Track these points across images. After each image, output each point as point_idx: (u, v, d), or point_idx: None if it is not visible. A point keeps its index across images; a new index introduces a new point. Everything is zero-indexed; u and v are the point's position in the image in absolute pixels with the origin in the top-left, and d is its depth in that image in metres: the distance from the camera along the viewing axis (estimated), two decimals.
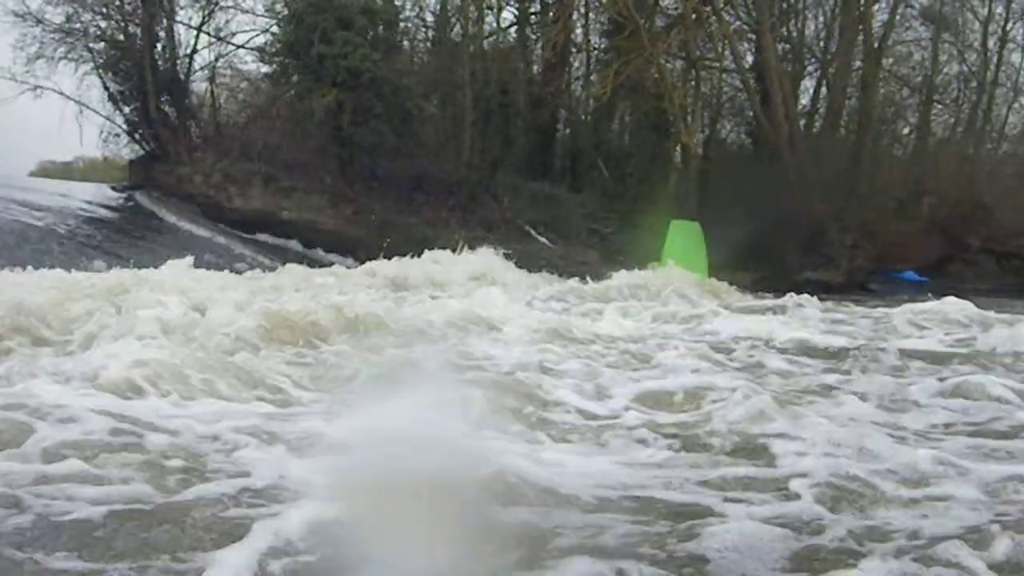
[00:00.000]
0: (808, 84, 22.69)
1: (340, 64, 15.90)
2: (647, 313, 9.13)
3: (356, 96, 16.10)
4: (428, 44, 20.36)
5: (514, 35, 20.94)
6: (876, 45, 21.06)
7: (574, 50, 21.14)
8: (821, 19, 22.86)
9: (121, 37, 16.46)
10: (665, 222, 16.54)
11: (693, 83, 20.44)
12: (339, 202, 16.76)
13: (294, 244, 16.29)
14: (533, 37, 20.87)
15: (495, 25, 20.70)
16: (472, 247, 14.58)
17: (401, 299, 8.75)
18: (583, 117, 21.54)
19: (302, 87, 16.33)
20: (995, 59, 23.72)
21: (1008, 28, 24.00)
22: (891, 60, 22.48)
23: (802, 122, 21.83)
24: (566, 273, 14.50)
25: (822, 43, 22.57)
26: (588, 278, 13.13)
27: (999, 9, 23.52)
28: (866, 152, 19.91)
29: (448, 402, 3.30)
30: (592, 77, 21.24)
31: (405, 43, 19.39)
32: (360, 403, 3.97)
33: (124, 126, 17.21)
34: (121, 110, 16.85)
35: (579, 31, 21.11)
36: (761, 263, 18.20)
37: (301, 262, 13.26)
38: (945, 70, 23.74)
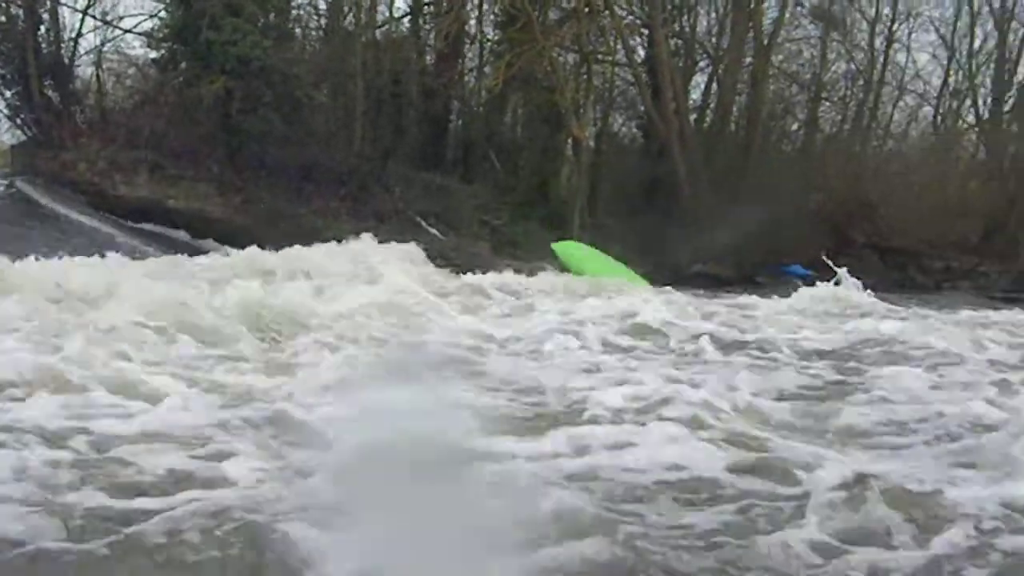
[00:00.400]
0: (700, 79, 24.85)
1: (229, 51, 17.16)
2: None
3: (245, 84, 17.37)
4: (320, 32, 21.56)
5: (407, 25, 22.29)
6: (766, 42, 23.16)
7: (467, 41, 22.59)
8: (713, 15, 24.85)
9: (2, 19, 17.26)
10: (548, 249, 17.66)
11: (585, 76, 22.08)
12: (227, 191, 17.96)
13: (182, 234, 17.40)
14: (426, 27, 22.24)
15: (388, 14, 21.97)
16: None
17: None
18: (476, 108, 23.12)
19: (190, 74, 17.55)
20: (881, 58, 26.56)
21: (894, 28, 26.94)
22: (781, 57, 24.88)
23: (694, 117, 23.78)
24: (456, 265, 15.77)
25: (714, 39, 24.56)
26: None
27: (886, 10, 26.17)
28: (755, 148, 21.83)
29: None
30: (485, 69, 22.80)
31: (297, 31, 20.61)
32: None
33: (5, 110, 18.00)
34: (2, 94, 17.59)
35: (473, 22, 22.54)
36: (652, 256, 19.88)
37: (188, 252, 14.05)
38: (834, 68, 26.48)
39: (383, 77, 20.72)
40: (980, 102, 28.60)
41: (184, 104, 18.26)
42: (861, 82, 26.96)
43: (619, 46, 23.27)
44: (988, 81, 28.58)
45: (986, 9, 28.39)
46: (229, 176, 18.60)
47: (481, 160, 22.68)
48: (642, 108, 23.38)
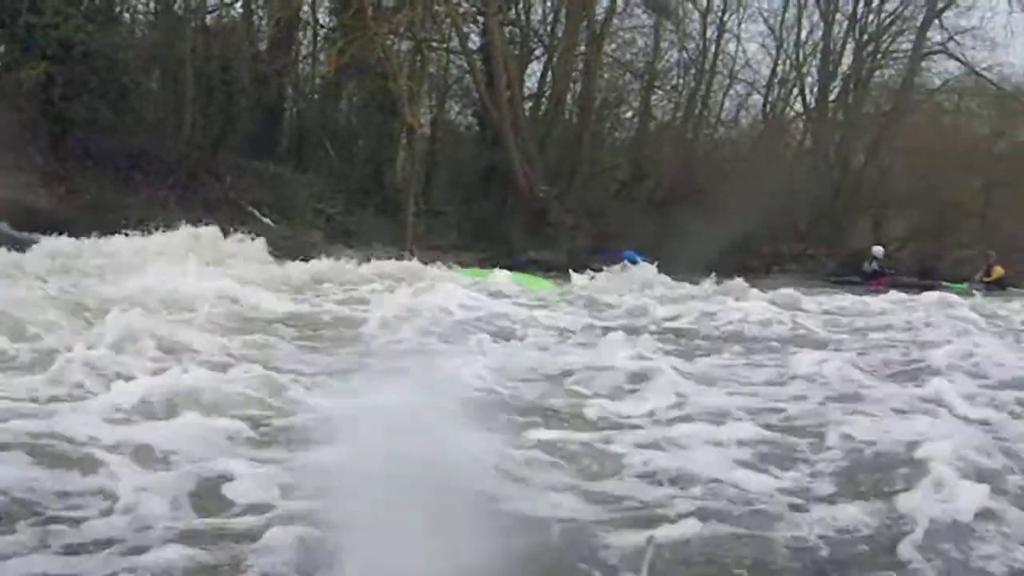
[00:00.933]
0: (537, 68, 27.21)
1: (50, 35, 18.50)
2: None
3: (68, 69, 18.76)
4: (149, 17, 22.94)
5: (239, 10, 23.85)
6: (599, 31, 25.68)
7: (301, 27, 24.29)
8: (549, 3, 27.29)
9: None
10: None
11: (420, 64, 24.12)
12: (51, 181, 19.27)
13: (3, 226, 18.23)
14: (259, 13, 23.83)
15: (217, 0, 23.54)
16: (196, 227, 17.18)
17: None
18: (310, 96, 24.80)
19: (9, 58, 18.84)
20: (713, 48, 29.59)
21: (725, 19, 29.96)
22: (614, 46, 27.47)
23: (529, 105, 26.22)
24: (290, 254, 17.42)
25: (549, 28, 27.00)
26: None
27: (717, 1, 29.22)
28: (588, 135, 24.46)
29: None
30: (320, 56, 24.55)
31: (125, 15, 21.87)
32: None
33: None
34: None
35: (307, 8, 24.28)
36: (487, 244, 22.22)
37: (9, 245, 14.85)
38: (667, 57, 29.06)
39: (213, 63, 22.38)
40: (807, 91, 32.36)
41: (3, 90, 19.32)
42: (693, 71, 30.16)
43: (454, 34, 25.55)
44: (814, 71, 32.29)
45: (812, 1, 32.12)
46: (52, 165, 19.90)
47: (316, 148, 24.56)
48: (477, 96, 25.68)
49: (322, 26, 26.05)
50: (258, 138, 23.90)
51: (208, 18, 23.70)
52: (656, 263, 24.06)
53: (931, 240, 31.00)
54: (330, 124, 25.33)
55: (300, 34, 25.70)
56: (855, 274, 24.61)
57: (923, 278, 24.90)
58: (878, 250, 25.09)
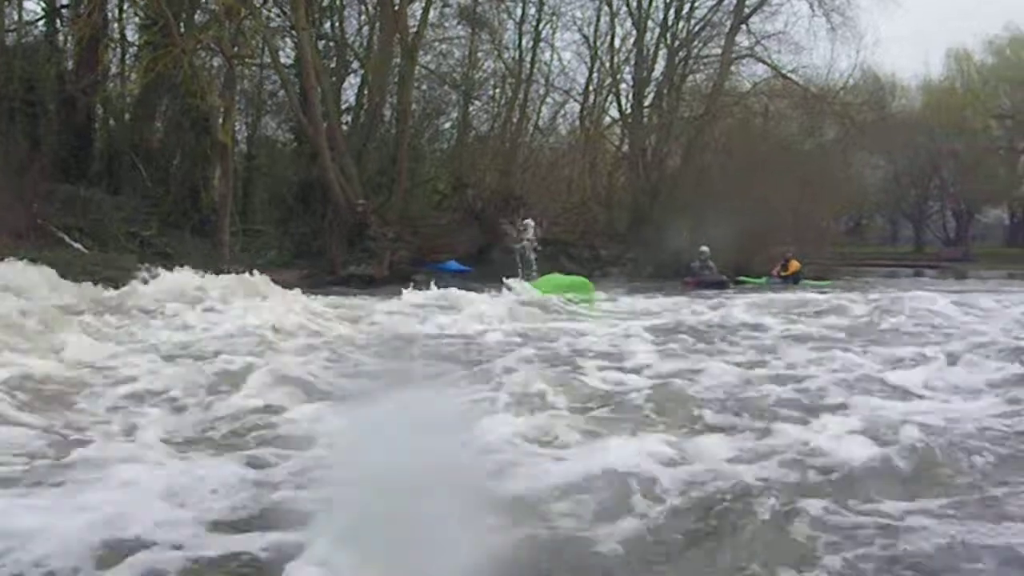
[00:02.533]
0: (355, 81, 27.99)
1: None
2: None
3: None
4: None
5: (42, 29, 23.82)
6: (411, 43, 26.67)
7: (110, 45, 24.43)
8: (364, 17, 28.15)
9: None
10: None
11: (231, 80, 24.64)
12: None
13: None
14: (64, 31, 23.88)
15: (17, 19, 23.50)
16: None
17: None
18: (123, 115, 24.99)
19: None
20: (529, 57, 30.83)
21: (540, 28, 31.19)
22: (429, 58, 28.54)
23: (348, 119, 27.01)
24: (103, 280, 17.77)
25: (365, 41, 27.89)
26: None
27: (532, 11, 30.59)
28: (404, 148, 25.44)
29: None
30: (132, 75, 24.76)
31: None
32: None
33: None
34: None
35: (114, 25, 24.46)
36: (308, 260, 22.95)
37: None
38: (484, 67, 30.30)
39: (15, 85, 22.37)
40: (622, 97, 34.15)
41: None
42: (510, 81, 31.50)
43: (266, 49, 26.18)
44: (629, 77, 34.19)
45: (624, 9, 34.00)
46: None
47: (129, 169, 24.78)
48: (293, 112, 26.39)
49: (130, 43, 26.27)
50: (67, 161, 24.01)
51: (9, 37, 23.69)
52: (475, 272, 25.39)
53: (747, 238, 33.10)
54: (143, 144, 25.55)
55: (108, 52, 25.84)
56: (688, 274, 26.14)
57: (737, 275, 26.90)
58: (704, 250, 26.76)
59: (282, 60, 26.93)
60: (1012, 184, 52.17)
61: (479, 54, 31.40)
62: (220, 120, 24.18)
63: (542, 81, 32.89)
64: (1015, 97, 54.06)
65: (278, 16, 27.39)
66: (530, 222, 25.65)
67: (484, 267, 27.25)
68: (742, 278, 25.17)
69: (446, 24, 30.94)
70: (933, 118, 52.03)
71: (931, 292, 15.71)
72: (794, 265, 26.92)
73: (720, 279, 24.58)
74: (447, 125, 31.74)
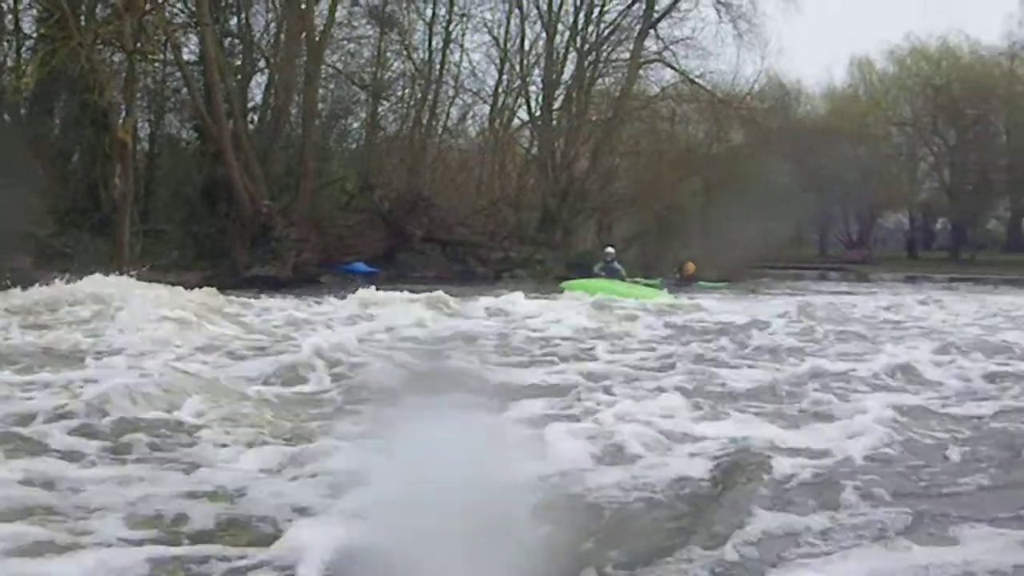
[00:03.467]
0: (262, 80, 27.72)
1: None
2: None
3: None
4: None
5: None
6: (318, 41, 26.53)
7: (5, 37, 23.85)
8: (271, 15, 27.93)
9: None
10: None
11: (131, 76, 24.21)
12: None
13: None
14: None
15: None
16: None
17: None
18: (21, 111, 24.44)
19: None
20: (439, 58, 30.90)
21: (450, 29, 31.25)
22: (338, 57, 28.43)
23: (255, 117, 26.77)
24: None
25: (273, 39, 27.66)
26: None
27: (442, 11, 30.68)
28: (310, 148, 25.34)
29: None
30: (28, 69, 24.17)
31: None
32: None
33: None
34: None
35: (10, 16, 23.86)
36: (210, 261, 22.70)
37: None
38: (393, 67, 30.28)
39: None
40: (532, 100, 34.44)
41: None
42: (420, 81, 31.53)
43: (169, 44, 25.79)
44: (538, 80, 34.47)
45: (534, 12, 34.29)
46: None
47: (25, 166, 24.13)
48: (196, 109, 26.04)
49: (27, 36, 25.69)
50: None
51: None
52: (383, 273, 25.43)
53: (654, 240, 33.68)
54: (40, 140, 25.01)
55: (3, 44, 25.24)
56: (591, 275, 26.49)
57: (645, 276, 27.37)
58: (609, 251, 27.13)
59: (186, 57, 26.58)
60: (912, 190, 53.80)
61: (388, 54, 31.42)
62: (120, 117, 23.78)
63: (451, 82, 33.05)
64: (915, 105, 55.82)
65: (182, 11, 27.04)
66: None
67: (391, 268, 27.34)
68: (639, 280, 25.59)
69: (355, 23, 30.91)
70: (836, 124, 53.38)
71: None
72: (690, 267, 27.60)
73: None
74: (355, 125, 31.70)
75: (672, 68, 35.75)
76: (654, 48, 35.61)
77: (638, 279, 25.79)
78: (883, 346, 10.59)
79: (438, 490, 3.55)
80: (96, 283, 16.54)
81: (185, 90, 26.90)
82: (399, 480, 4.00)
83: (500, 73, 34.30)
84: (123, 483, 4.50)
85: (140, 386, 6.64)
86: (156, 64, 26.97)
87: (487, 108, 34.48)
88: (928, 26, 70.63)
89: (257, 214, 24.59)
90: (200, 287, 19.56)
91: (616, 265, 26.17)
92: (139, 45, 25.55)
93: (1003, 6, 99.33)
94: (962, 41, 54.79)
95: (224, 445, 5.39)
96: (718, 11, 35.49)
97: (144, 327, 11.13)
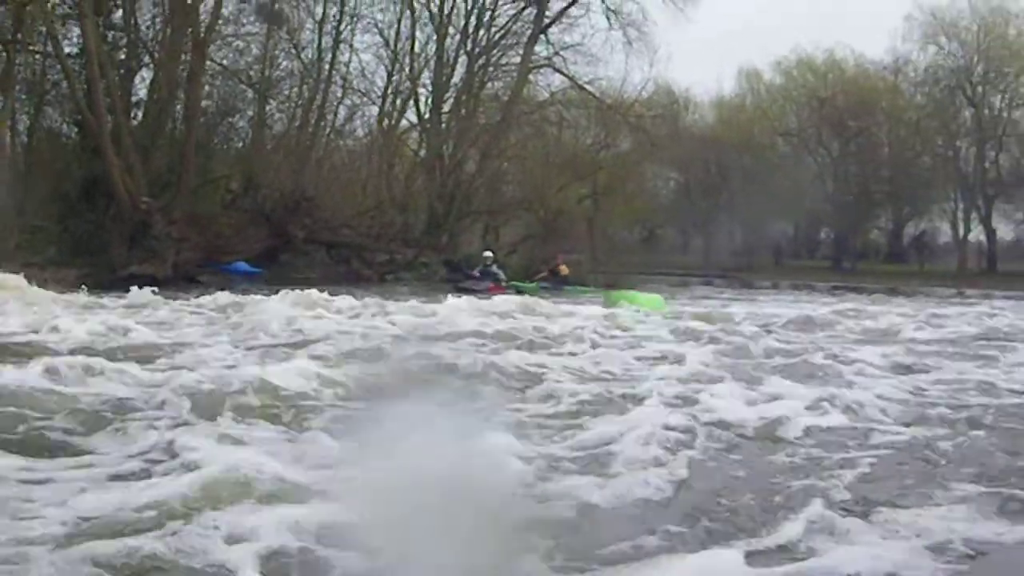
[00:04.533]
0: (148, 75, 27.74)
1: None
2: None
3: None
4: None
5: None
6: (203, 37, 26.66)
7: None
8: (157, 8, 27.93)
9: None
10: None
11: (13, 67, 24.13)
12: None
13: None
14: None
15: None
16: None
17: None
18: None
19: None
20: (328, 57, 31.14)
21: (341, 28, 31.59)
22: (224, 54, 28.61)
23: (139, 113, 26.76)
24: None
25: (159, 34, 27.67)
26: None
27: (333, 10, 31.00)
28: (191, 145, 25.50)
29: None
30: None
31: None
32: None
33: None
34: None
35: None
36: (87, 259, 22.73)
37: None
38: (281, 66, 30.48)
39: None
40: (421, 102, 35.05)
41: None
42: (308, 80, 31.85)
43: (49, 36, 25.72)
44: (428, 82, 35.06)
45: (426, 14, 34.86)
46: None
47: None
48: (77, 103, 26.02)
49: None
50: None
51: None
52: (265, 274, 25.71)
53: (541, 244, 34.50)
54: None
55: None
56: (461, 275, 27.12)
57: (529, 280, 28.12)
58: (487, 255, 27.85)
59: (68, 50, 26.50)
60: (796, 199, 55.62)
61: (277, 52, 31.66)
62: None
63: (340, 82, 33.39)
64: (801, 116, 57.77)
65: (63, 3, 26.95)
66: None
67: (275, 269, 27.55)
68: (515, 283, 26.36)
69: (243, 20, 31.07)
70: (724, 133, 55.07)
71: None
72: (563, 269, 28.35)
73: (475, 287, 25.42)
74: (242, 123, 31.86)
75: (562, 73, 36.67)
76: (544, 53, 36.48)
77: (514, 282, 26.57)
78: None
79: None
80: None
81: (65, 83, 26.78)
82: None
83: (390, 74, 34.81)
84: None
85: None
86: (36, 56, 26.84)
87: (376, 109, 34.94)
88: (815, 39, 73.01)
89: (136, 211, 24.65)
90: (76, 285, 19.62)
91: (494, 269, 26.91)
92: (18, 36, 25.50)
93: (887, 22, 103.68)
94: (848, 55, 57.00)
95: None
96: (608, 18, 36.46)
97: None
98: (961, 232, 55.62)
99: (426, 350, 10.07)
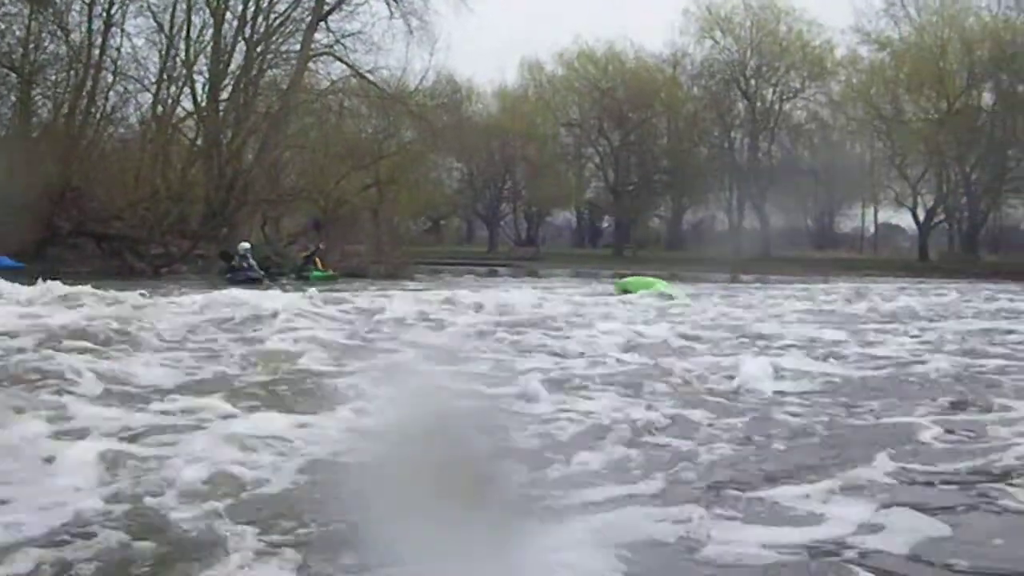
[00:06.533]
0: None
1: None
2: None
3: None
4: None
5: None
6: None
7: None
8: None
9: None
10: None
11: None
12: None
13: None
14: None
15: None
16: None
17: None
18: None
19: None
20: (99, 41, 30.77)
21: (113, 12, 31.22)
22: None
23: None
24: None
25: None
26: None
27: None
28: None
29: None
30: None
31: None
32: None
33: None
34: None
35: None
36: None
37: None
38: (47, 48, 29.83)
39: None
40: (199, 89, 34.92)
41: None
42: (77, 65, 31.30)
43: None
44: (206, 69, 34.94)
45: None
46: None
47: None
48: None
49: None
50: None
51: None
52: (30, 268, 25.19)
53: (321, 235, 34.97)
54: None
55: None
56: (228, 271, 27.25)
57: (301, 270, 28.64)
58: (243, 246, 27.92)
59: None
60: (579, 188, 58.03)
61: (42, 35, 30.96)
62: None
63: (112, 67, 32.89)
64: (583, 107, 60.20)
65: None
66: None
67: (41, 263, 27.00)
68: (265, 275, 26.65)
69: (5, 1, 30.26)
70: (507, 124, 56.84)
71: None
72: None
73: (256, 276, 25.86)
74: (3, 109, 31.07)
75: (342, 62, 37.25)
76: (325, 41, 37.00)
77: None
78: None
79: None
80: None
81: None
82: None
83: (164, 60, 34.38)
84: None
85: None
86: None
87: (149, 96, 34.48)
88: (596, 32, 76.06)
89: None
90: None
91: (249, 261, 27.11)
92: None
93: (666, 16, 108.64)
94: (627, 47, 59.77)
95: None
96: (389, 6, 37.22)
97: None
98: (736, 219, 59.24)
99: None
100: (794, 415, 6.45)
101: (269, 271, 27.39)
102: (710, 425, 6.02)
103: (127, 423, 5.58)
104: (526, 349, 10.15)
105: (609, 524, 3.83)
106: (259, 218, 35.10)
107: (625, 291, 21.79)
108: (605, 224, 64.96)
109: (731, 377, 7.79)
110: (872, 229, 65.06)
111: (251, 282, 24.51)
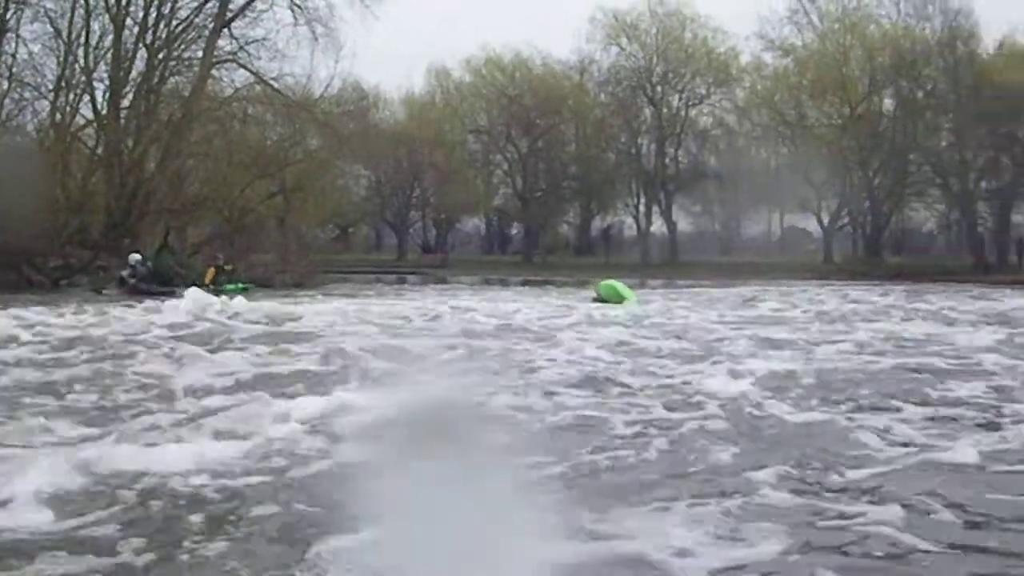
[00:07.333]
0: None
1: None
2: None
3: None
4: None
5: None
6: None
7: None
8: None
9: None
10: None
11: None
12: None
13: None
14: None
15: None
16: None
17: None
18: None
19: None
20: None
21: (7, 17, 30.77)
22: None
23: None
24: None
25: None
26: None
27: None
28: None
29: None
30: None
31: None
32: None
33: None
34: None
35: None
36: None
37: None
38: None
39: None
40: (99, 96, 34.46)
41: None
42: None
43: None
44: (105, 76, 34.51)
45: (101, 4, 34.25)
46: None
47: None
48: None
49: None
50: None
51: None
52: None
53: (226, 244, 34.76)
54: None
55: None
56: (120, 283, 26.91)
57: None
58: (134, 257, 27.56)
59: None
60: (487, 195, 58.43)
61: None
62: None
63: (7, 74, 32.34)
64: (491, 114, 60.66)
65: None
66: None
67: None
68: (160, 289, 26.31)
69: None
70: (415, 130, 57.06)
71: None
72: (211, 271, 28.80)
73: (155, 291, 25.40)
74: None
75: (246, 69, 36.92)
76: (228, 48, 36.67)
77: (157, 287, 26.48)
78: None
79: None
80: None
81: None
82: None
83: (63, 67, 33.85)
84: None
85: None
86: None
87: (47, 103, 33.94)
88: (504, 38, 76.66)
89: None
90: None
91: (140, 273, 26.79)
92: None
93: (573, 23, 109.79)
94: (535, 54, 60.43)
95: None
96: (294, 13, 37.04)
97: None
98: (644, 225, 60.15)
99: None
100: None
101: (172, 282, 27.03)
102: None
103: None
104: None
105: None
106: (162, 228, 34.69)
107: (603, 300, 22.66)
108: (514, 231, 65.51)
109: None
110: (778, 233, 66.54)
111: (154, 295, 24.25)
